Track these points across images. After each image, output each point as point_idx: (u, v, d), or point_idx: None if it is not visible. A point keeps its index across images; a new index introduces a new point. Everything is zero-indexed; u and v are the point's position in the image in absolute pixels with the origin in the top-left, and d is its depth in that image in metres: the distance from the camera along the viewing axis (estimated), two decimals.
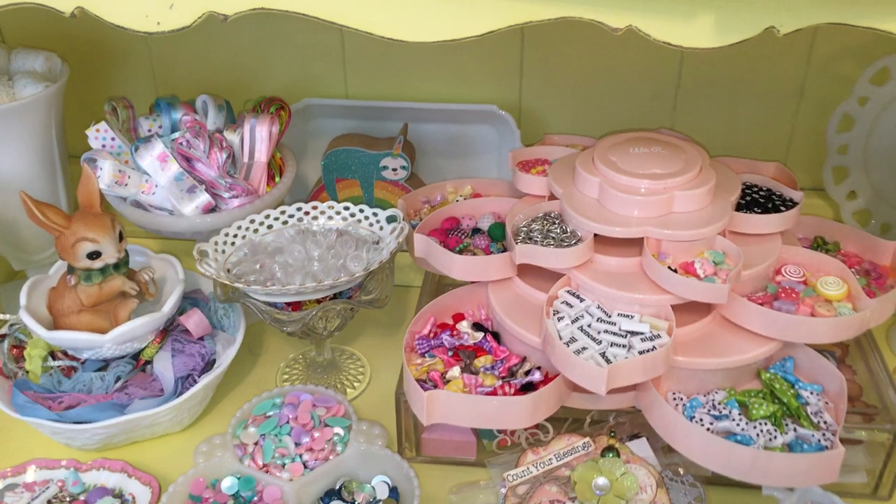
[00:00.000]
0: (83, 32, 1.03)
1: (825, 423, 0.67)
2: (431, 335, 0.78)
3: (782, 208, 0.77)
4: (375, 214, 0.86)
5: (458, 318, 0.81)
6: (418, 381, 0.72)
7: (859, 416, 0.75)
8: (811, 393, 0.69)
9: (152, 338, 0.82)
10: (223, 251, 0.82)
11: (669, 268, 0.70)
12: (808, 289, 0.73)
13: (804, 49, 0.95)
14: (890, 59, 0.91)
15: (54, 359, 0.83)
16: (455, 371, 0.74)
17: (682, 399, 0.70)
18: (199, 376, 0.82)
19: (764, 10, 0.57)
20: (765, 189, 0.81)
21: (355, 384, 0.90)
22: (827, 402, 0.69)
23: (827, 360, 0.70)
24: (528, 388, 0.72)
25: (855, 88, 0.94)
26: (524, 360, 0.75)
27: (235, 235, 0.83)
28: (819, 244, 0.85)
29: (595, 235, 0.74)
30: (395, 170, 0.99)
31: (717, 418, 0.68)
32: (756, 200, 0.79)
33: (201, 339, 0.85)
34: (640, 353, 0.67)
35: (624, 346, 0.68)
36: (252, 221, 0.84)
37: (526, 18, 0.59)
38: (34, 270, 0.98)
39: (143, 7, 0.63)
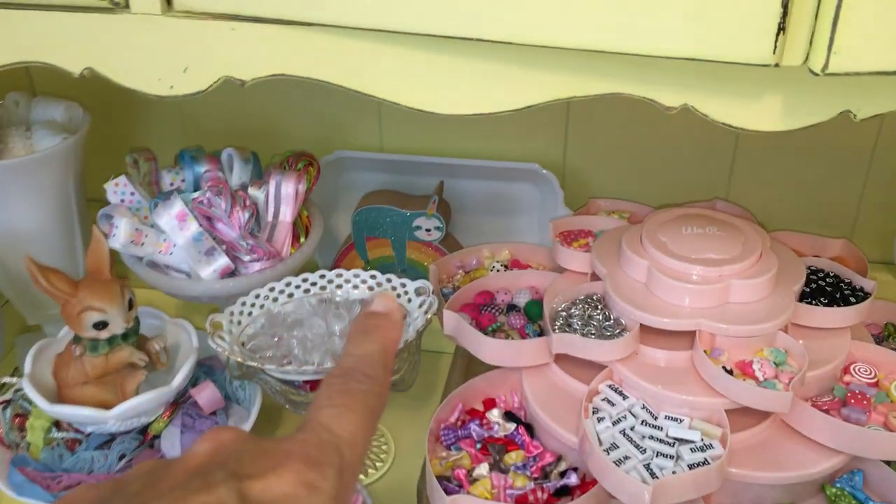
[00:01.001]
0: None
1: None
2: (459, 424, 0.72)
3: (852, 299, 0.70)
4: (404, 285, 0.79)
5: (490, 403, 0.74)
6: (441, 477, 0.66)
7: None
8: None
9: (161, 411, 0.77)
10: (239, 322, 0.76)
11: (724, 368, 0.63)
12: (880, 393, 0.65)
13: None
14: None
15: (59, 429, 0.78)
16: (483, 469, 0.67)
17: None
18: None
19: (841, 93, 0.51)
20: (832, 275, 0.73)
21: (377, 464, 0.84)
22: None
23: None
24: (563, 492, 0.65)
25: None
26: (559, 458, 0.68)
27: (253, 305, 0.78)
28: (890, 332, 0.77)
29: (641, 325, 0.67)
30: (428, 230, 0.93)
31: None
32: (822, 288, 0.71)
33: (214, 413, 0.79)
34: (690, 466, 0.60)
35: (671, 456, 0.61)
36: (272, 290, 0.79)
37: (570, 94, 0.54)
38: (50, 324, 0.94)
39: (156, 70, 0.59)
